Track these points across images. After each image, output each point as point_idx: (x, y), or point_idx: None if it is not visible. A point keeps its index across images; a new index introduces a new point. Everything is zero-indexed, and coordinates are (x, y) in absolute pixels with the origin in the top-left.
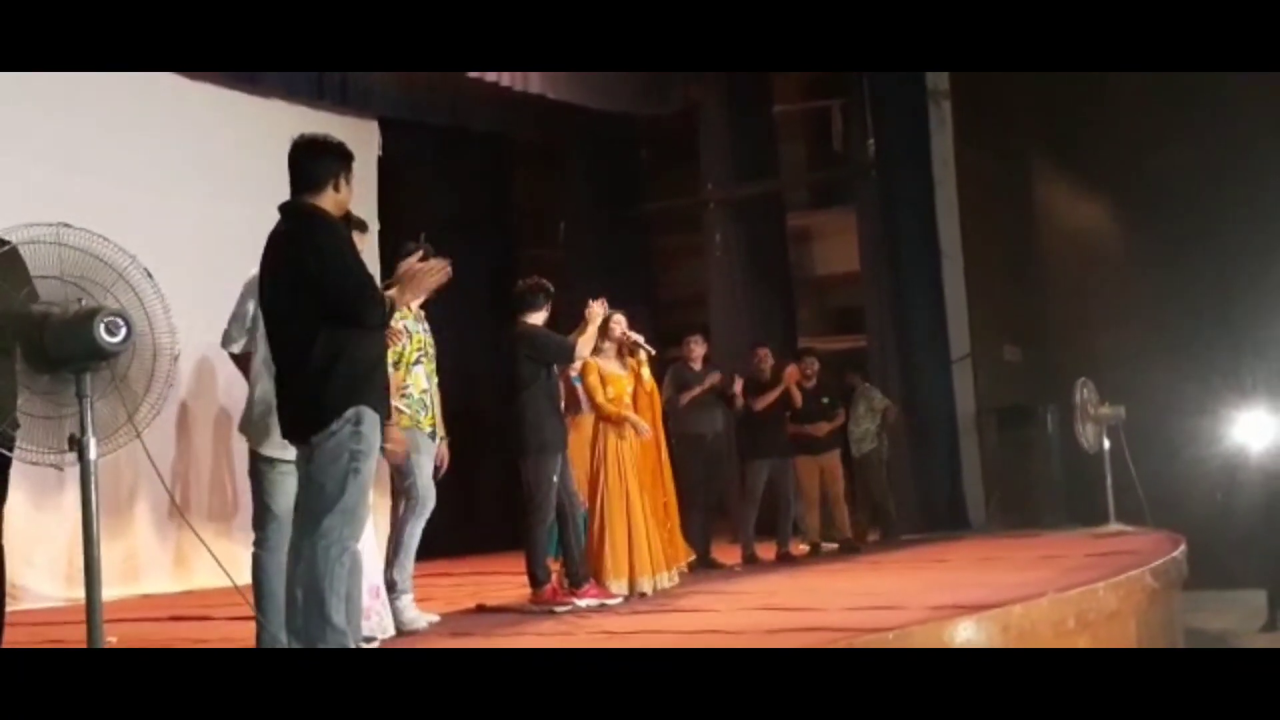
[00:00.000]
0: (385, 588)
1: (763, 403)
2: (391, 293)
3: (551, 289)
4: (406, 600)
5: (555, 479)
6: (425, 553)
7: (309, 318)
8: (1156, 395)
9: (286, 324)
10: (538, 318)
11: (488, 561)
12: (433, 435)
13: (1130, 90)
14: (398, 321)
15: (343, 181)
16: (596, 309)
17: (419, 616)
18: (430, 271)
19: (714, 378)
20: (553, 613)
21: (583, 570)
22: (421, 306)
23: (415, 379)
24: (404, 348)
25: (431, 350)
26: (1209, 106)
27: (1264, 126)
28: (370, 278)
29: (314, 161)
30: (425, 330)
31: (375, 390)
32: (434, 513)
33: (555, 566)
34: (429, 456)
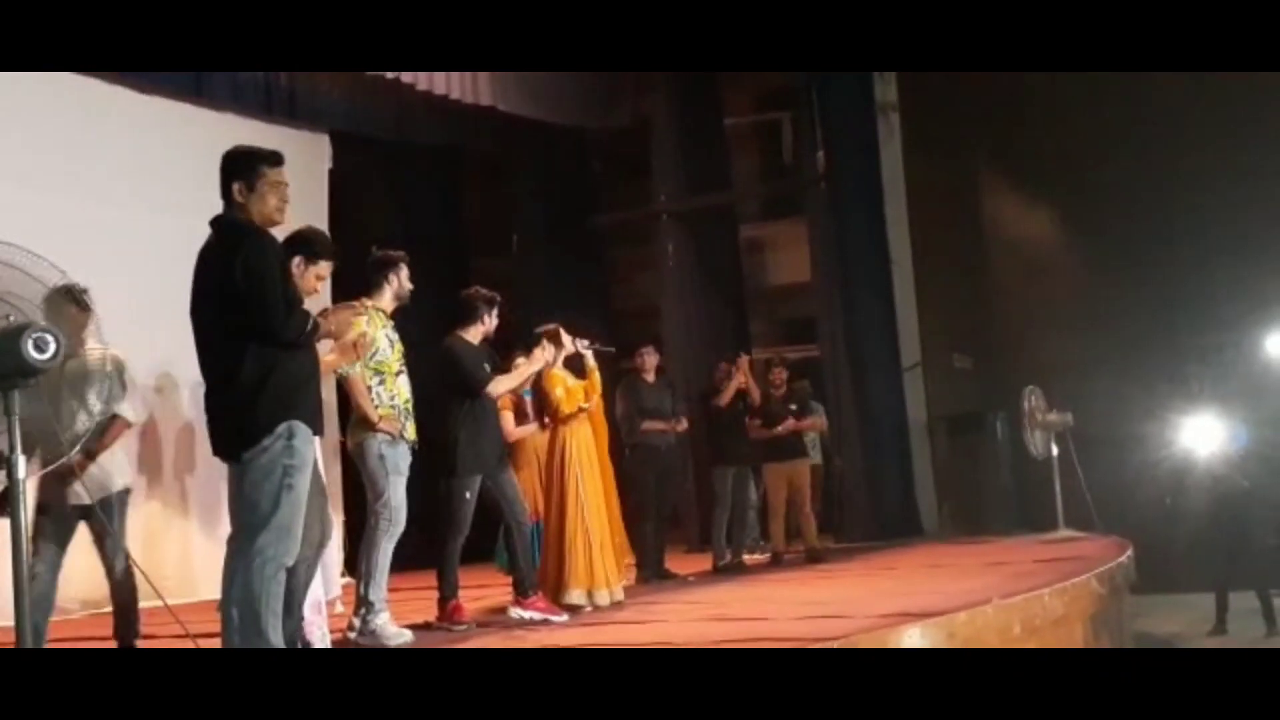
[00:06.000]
0: (365, 607)
1: (725, 398)
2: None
3: (495, 299)
4: (385, 618)
5: (469, 497)
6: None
7: (237, 333)
8: (1104, 402)
9: (215, 339)
10: (474, 330)
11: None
12: (413, 447)
13: (1075, 100)
14: (376, 329)
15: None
16: (538, 355)
17: (399, 632)
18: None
19: (681, 425)
20: (449, 631)
21: (531, 580)
22: (390, 316)
23: (399, 389)
24: (387, 358)
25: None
26: (1152, 115)
27: (1207, 134)
28: (294, 294)
29: (243, 174)
30: (397, 339)
31: (307, 405)
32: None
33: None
34: (404, 476)
